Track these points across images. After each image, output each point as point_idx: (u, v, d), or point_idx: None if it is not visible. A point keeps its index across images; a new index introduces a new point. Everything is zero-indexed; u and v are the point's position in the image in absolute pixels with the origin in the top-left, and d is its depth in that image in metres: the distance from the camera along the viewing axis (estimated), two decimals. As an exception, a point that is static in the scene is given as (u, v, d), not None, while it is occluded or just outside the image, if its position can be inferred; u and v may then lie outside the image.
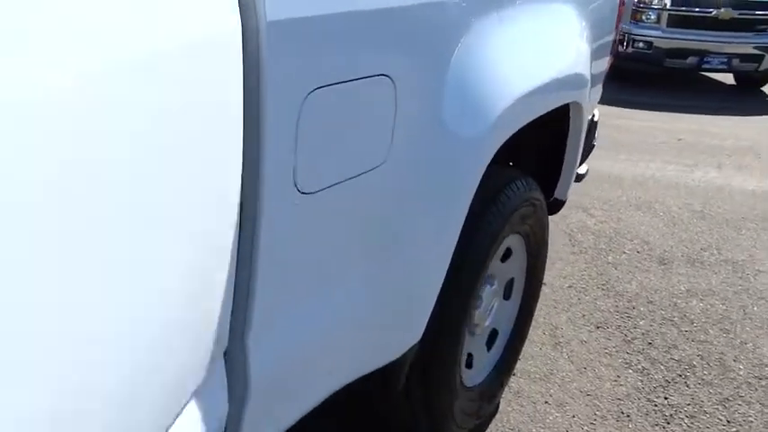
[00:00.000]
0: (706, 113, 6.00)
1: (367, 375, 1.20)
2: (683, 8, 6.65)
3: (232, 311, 0.87)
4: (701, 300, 2.61)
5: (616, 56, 7.25)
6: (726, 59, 6.67)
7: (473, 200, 1.27)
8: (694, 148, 4.82)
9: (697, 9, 6.61)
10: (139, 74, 0.60)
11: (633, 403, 1.98)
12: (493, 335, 1.79)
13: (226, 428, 0.94)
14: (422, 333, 1.26)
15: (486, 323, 1.70)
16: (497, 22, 1.24)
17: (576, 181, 2.32)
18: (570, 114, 1.72)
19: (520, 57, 1.33)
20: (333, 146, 0.89)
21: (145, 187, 0.64)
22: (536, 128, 1.58)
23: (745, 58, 6.68)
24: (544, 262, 1.88)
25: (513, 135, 1.38)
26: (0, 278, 0.50)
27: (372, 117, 0.96)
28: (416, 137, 1.05)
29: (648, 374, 2.12)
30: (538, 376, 2.07)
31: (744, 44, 6.61)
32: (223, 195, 0.76)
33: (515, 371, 2.02)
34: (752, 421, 1.94)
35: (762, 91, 7.36)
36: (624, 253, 2.98)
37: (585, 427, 1.87)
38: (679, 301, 2.58)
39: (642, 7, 6.75)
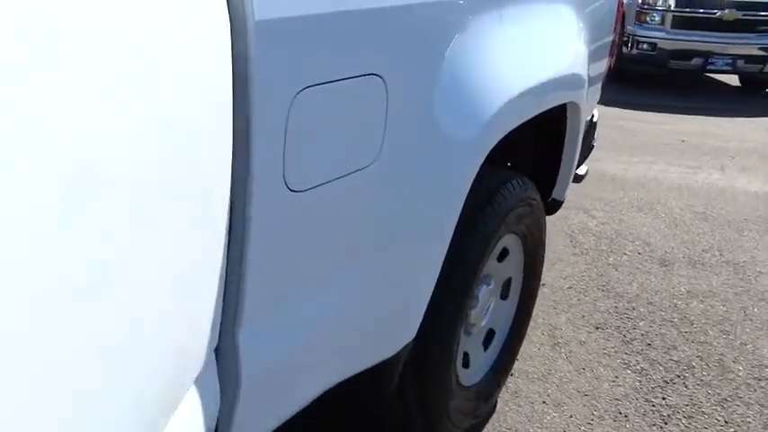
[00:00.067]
0: (710, 115, 5.98)
1: (360, 373, 1.21)
2: (688, 9, 6.64)
3: (223, 308, 0.88)
4: (702, 301, 2.60)
5: (619, 57, 7.21)
6: (730, 61, 6.66)
7: (467, 199, 1.28)
8: (698, 149, 4.81)
9: (701, 10, 6.60)
10: (126, 74, 0.61)
11: (631, 403, 1.98)
12: (490, 335, 1.79)
13: (217, 424, 0.95)
14: (416, 332, 1.27)
15: (483, 323, 1.70)
16: (491, 22, 1.25)
17: (575, 182, 2.33)
18: (567, 115, 1.72)
19: (514, 57, 1.34)
20: (323, 144, 0.90)
21: (134, 186, 0.65)
22: (534, 128, 1.59)
23: (749, 59, 6.66)
24: (542, 262, 1.89)
25: (511, 135, 1.39)
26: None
27: (363, 116, 0.97)
28: (408, 136, 1.06)
29: (647, 375, 2.12)
30: (536, 376, 2.07)
31: (748, 45, 6.59)
32: (213, 193, 0.77)
33: (513, 371, 2.02)
34: (750, 422, 1.94)
35: (767, 92, 7.34)
36: (625, 254, 2.98)
37: (583, 427, 1.87)
38: (679, 303, 2.58)
39: (646, 9, 6.74)
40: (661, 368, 2.16)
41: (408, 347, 1.29)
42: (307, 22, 0.82)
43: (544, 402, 1.96)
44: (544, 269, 2.68)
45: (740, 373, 2.15)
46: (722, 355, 2.25)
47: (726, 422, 1.93)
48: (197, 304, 0.83)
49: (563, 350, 2.22)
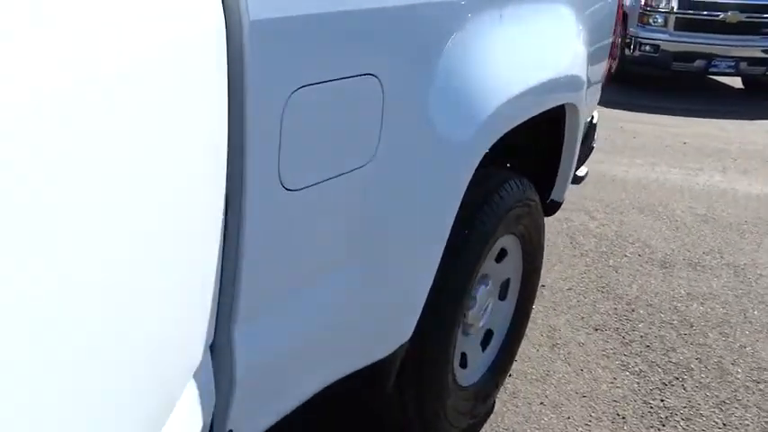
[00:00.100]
0: (713, 117, 5.97)
1: (357, 372, 1.21)
2: (691, 11, 6.63)
3: (218, 306, 0.88)
4: (702, 303, 2.60)
5: (622, 59, 7.18)
6: (733, 63, 6.65)
7: (465, 200, 1.28)
8: (700, 151, 4.81)
9: (704, 12, 6.60)
10: (120, 73, 0.61)
11: (629, 405, 1.98)
12: (488, 335, 1.80)
13: (213, 420, 0.96)
14: (411, 331, 1.28)
15: (481, 323, 1.71)
16: (488, 23, 1.25)
17: (575, 183, 2.33)
18: (566, 116, 1.72)
19: (511, 57, 1.34)
20: (318, 144, 0.91)
21: (131, 185, 0.65)
22: (533, 129, 1.59)
23: (752, 61, 6.66)
24: (540, 263, 1.89)
25: (510, 136, 1.39)
26: None
27: (359, 116, 0.97)
28: (404, 136, 1.07)
29: (645, 377, 2.12)
30: (534, 377, 2.07)
31: (751, 48, 6.58)
32: (208, 191, 0.78)
33: (512, 371, 2.02)
34: (748, 424, 1.94)
35: (770, 95, 7.33)
36: (625, 256, 2.98)
37: (580, 429, 1.87)
38: (679, 305, 2.58)
39: (649, 10, 6.74)
40: (660, 370, 2.16)
41: (405, 347, 1.29)
42: (302, 21, 0.82)
43: (542, 403, 1.96)
44: (544, 270, 2.68)
45: (739, 376, 2.15)
46: (721, 357, 2.25)
47: (724, 424, 1.93)
48: (192, 301, 0.84)
49: (562, 351, 2.22)
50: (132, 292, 0.69)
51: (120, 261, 0.66)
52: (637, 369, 2.16)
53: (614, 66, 7.24)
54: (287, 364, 1.02)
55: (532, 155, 1.88)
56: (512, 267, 1.77)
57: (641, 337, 2.34)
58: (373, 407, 1.58)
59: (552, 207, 1.95)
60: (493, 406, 1.90)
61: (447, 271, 1.32)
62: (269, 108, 0.80)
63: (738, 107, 6.52)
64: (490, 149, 1.40)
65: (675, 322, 2.45)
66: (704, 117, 5.96)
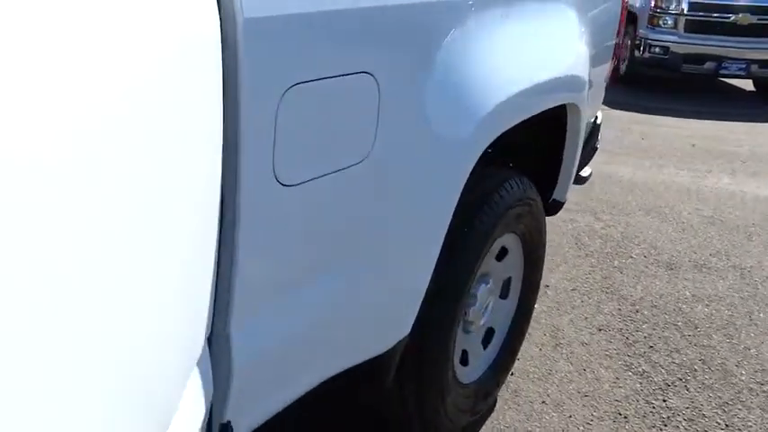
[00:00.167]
0: (723, 119, 5.94)
1: (356, 367, 1.22)
2: (701, 13, 6.60)
3: (215, 299, 0.90)
4: (707, 305, 2.60)
5: (631, 61, 7.15)
6: (744, 65, 6.61)
7: (464, 198, 1.29)
8: (709, 153, 4.79)
9: (715, 14, 6.57)
10: (116, 70, 0.63)
11: (631, 405, 1.98)
12: (489, 333, 1.81)
13: (211, 410, 0.97)
14: (410, 327, 1.29)
15: (482, 321, 1.72)
16: (488, 21, 1.26)
17: (579, 183, 2.33)
18: (567, 116, 1.73)
19: (511, 56, 1.36)
20: (313, 140, 0.93)
21: (127, 181, 0.67)
22: (534, 128, 1.60)
23: (763, 63, 6.61)
24: (542, 262, 1.90)
25: (512, 135, 1.40)
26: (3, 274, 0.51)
27: (354, 114, 0.99)
28: (400, 134, 1.08)
29: (648, 377, 2.12)
30: (536, 376, 2.08)
31: (762, 50, 6.54)
32: (204, 185, 0.80)
33: (514, 370, 2.03)
34: (751, 426, 1.93)
35: (782, 97, 7.28)
36: (631, 257, 2.98)
37: (581, 427, 1.88)
38: (684, 306, 2.57)
39: (659, 12, 6.71)
40: (663, 371, 2.16)
41: (404, 342, 1.31)
42: (296, 19, 0.84)
43: (544, 402, 1.96)
44: (548, 270, 2.69)
45: (742, 378, 2.15)
46: (725, 359, 2.25)
47: (726, 425, 1.93)
48: (190, 294, 0.85)
49: (564, 351, 2.23)
50: (134, 289, 0.71)
51: (121, 259, 0.67)
52: (640, 369, 2.16)
53: (624, 67, 7.23)
54: (284, 358, 1.04)
55: (534, 154, 1.89)
56: (513, 266, 1.78)
57: (645, 337, 2.34)
58: (372, 403, 1.60)
59: (554, 207, 1.96)
60: (494, 404, 1.91)
61: (446, 268, 1.34)
62: (263, 105, 0.82)
63: (749, 110, 6.49)
64: (492, 148, 1.42)
65: (680, 323, 2.45)
66: (714, 119, 5.93)
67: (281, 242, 0.95)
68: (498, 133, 1.30)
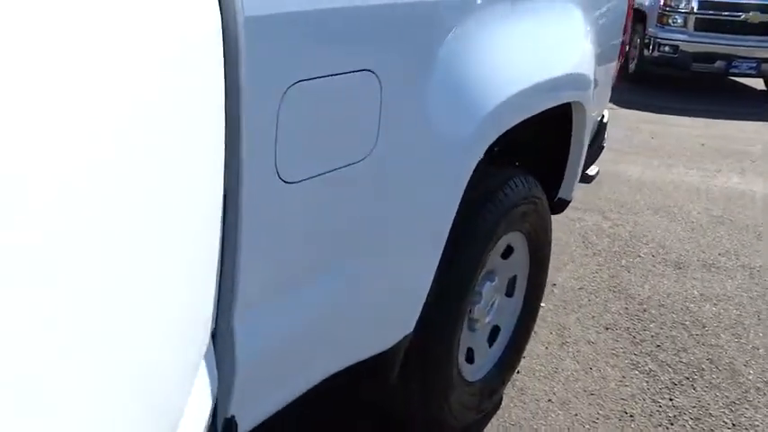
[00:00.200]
0: (733, 118, 5.91)
1: (358, 364, 1.23)
2: (711, 12, 6.56)
3: (218, 295, 0.91)
4: (715, 304, 2.59)
5: (640, 59, 7.09)
6: (755, 64, 6.56)
7: (469, 196, 1.30)
8: (718, 153, 4.76)
9: (725, 13, 6.53)
10: (117, 71, 0.64)
11: (637, 404, 1.98)
12: (495, 331, 1.81)
13: (216, 405, 0.98)
14: (413, 324, 1.29)
15: (487, 319, 1.72)
16: (491, 19, 1.27)
17: (585, 182, 2.33)
18: (572, 114, 1.73)
19: (513, 54, 1.36)
20: (315, 138, 0.93)
21: (132, 180, 0.67)
22: (540, 126, 1.61)
23: (774, 62, 6.57)
24: (547, 260, 1.90)
25: (519, 133, 1.41)
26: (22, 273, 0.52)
27: (356, 111, 0.99)
28: (403, 132, 1.09)
29: (655, 376, 2.11)
30: (542, 374, 2.08)
31: (773, 49, 6.50)
32: (206, 182, 0.81)
33: (520, 368, 2.03)
34: (758, 425, 1.93)
35: (793, 96, 7.22)
36: (639, 256, 2.97)
37: (587, 426, 1.88)
38: (692, 306, 2.56)
39: (668, 11, 6.68)
40: (670, 370, 2.15)
41: (407, 339, 1.31)
42: (297, 17, 0.85)
43: (549, 400, 1.96)
44: (555, 269, 2.69)
45: (750, 377, 2.14)
46: (733, 358, 2.24)
47: (733, 425, 1.92)
48: (195, 290, 0.86)
49: (571, 349, 2.23)
50: (142, 286, 0.71)
51: (129, 257, 0.68)
52: (647, 368, 2.15)
53: (633, 66, 7.19)
54: (287, 353, 1.05)
55: (541, 153, 1.89)
56: (518, 264, 1.78)
57: (652, 336, 2.34)
58: (376, 399, 1.60)
59: (560, 205, 1.96)
60: (500, 402, 1.91)
61: (450, 266, 1.34)
62: (265, 102, 0.83)
63: (760, 109, 6.44)
64: (498, 147, 1.42)
65: (687, 323, 2.44)
66: (724, 118, 5.89)
67: (284, 239, 0.96)
68: (501, 131, 1.30)
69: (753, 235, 3.28)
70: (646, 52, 6.92)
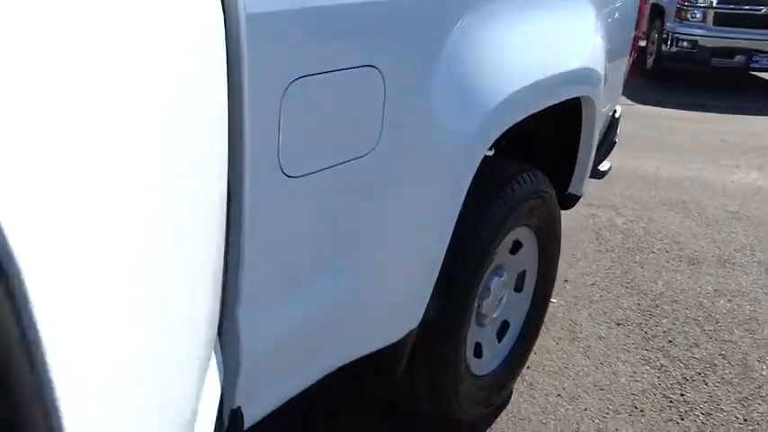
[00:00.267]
0: (753, 114, 5.83)
1: (363, 358, 1.25)
2: (731, 6, 6.48)
3: (223, 288, 0.93)
4: (729, 300, 2.57)
5: (659, 55, 7.02)
6: (775, 59, 6.48)
7: (476, 190, 1.31)
8: (737, 149, 4.71)
9: (745, 7, 6.44)
10: (121, 68, 0.65)
11: (648, 399, 1.98)
12: (504, 326, 1.82)
13: (222, 398, 1.01)
14: (419, 318, 1.31)
15: (496, 314, 1.73)
16: (498, 13, 1.28)
17: (597, 178, 2.33)
18: (582, 109, 1.73)
19: (520, 49, 1.36)
20: (318, 133, 0.95)
21: (137, 178, 0.69)
22: (550, 121, 1.61)
23: (796, 57, 6.47)
24: (557, 255, 1.90)
25: (528, 128, 1.41)
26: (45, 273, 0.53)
27: (359, 107, 1.01)
28: (408, 127, 1.10)
29: (666, 371, 2.11)
30: (552, 370, 2.08)
31: (795, 43, 6.40)
32: (210, 177, 0.83)
33: (529, 363, 2.04)
34: (770, 421, 1.92)
35: (815, 91, 7.11)
36: (652, 252, 2.96)
37: (597, 420, 1.88)
38: (705, 301, 2.55)
39: (687, 5, 6.61)
40: (681, 365, 2.15)
41: (414, 332, 1.33)
42: (299, 14, 0.87)
43: (559, 395, 1.97)
44: (567, 265, 2.69)
45: (763, 373, 2.13)
46: (746, 354, 2.22)
47: (744, 420, 1.91)
48: (200, 282, 0.88)
49: (581, 345, 2.23)
50: (149, 282, 0.73)
51: (137, 252, 0.69)
52: (658, 364, 2.15)
53: (651, 62, 7.12)
54: (292, 346, 1.06)
55: (550, 148, 1.89)
56: (527, 259, 1.78)
57: (664, 332, 2.33)
58: (381, 392, 1.62)
59: (570, 200, 1.96)
60: (509, 396, 1.92)
61: (457, 260, 1.35)
62: (267, 97, 0.85)
63: (780, 104, 6.36)
64: (506, 141, 1.43)
65: (700, 318, 2.43)
66: (744, 114, 5.82)
67: (288, 233, 0.97)
68: (507, 126, 1.31)
69: (770, 231, 3.24)
70: (664, 48, 6.85)
